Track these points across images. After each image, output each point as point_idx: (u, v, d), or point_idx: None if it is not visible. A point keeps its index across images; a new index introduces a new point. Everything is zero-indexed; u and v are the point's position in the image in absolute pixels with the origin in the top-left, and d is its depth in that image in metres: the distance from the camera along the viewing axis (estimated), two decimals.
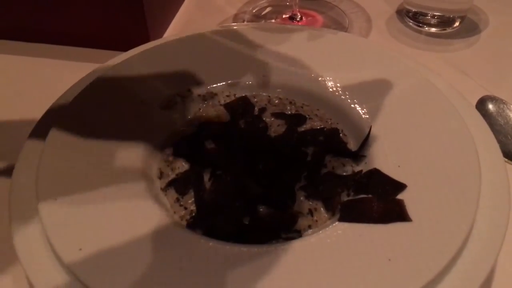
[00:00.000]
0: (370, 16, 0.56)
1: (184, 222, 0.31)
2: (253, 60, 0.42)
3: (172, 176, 0.34)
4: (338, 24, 0.55)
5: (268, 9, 0.58)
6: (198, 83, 0.40)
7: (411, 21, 0.54)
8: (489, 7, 0.56)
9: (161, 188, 0.34)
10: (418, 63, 0.41)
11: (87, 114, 0.36)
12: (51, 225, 0.28)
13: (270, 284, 0.26)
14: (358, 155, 0.35)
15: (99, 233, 0.29)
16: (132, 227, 0.29)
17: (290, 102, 0.40)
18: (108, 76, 0.39)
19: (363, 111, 0.37)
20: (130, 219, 0.30)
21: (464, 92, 0.38)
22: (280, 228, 0.31)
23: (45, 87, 0.46)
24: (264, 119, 0.39)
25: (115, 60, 0.41)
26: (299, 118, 0.39)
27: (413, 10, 0.53)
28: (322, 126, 0.38)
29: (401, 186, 0.31)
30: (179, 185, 0.34)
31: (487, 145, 0.33)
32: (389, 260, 0.27)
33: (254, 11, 0.57)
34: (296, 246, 0.28)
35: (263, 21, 0.56)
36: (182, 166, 0.35)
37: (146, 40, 0.47)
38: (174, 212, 0.32)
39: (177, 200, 0.33)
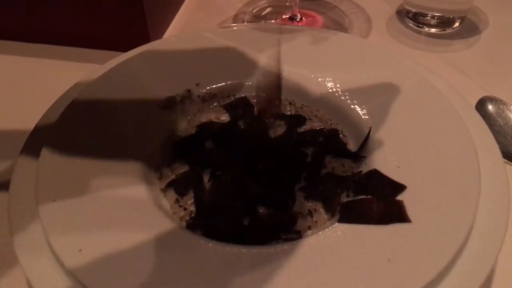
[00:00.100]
0: (370, 17, 0.56)
1: (183, 223, 0.31)
2: (253, 61, 0.42)
3: (171, 176, 0.34)
4: (338, 25, 0.55)
5: (268, 10, 0.58)
6: (198, 83, 0.40)
7: (411, 21, 0.54)
8: (489, 7, 0.56)
9: (160, 189, 0.34)
10: (418, 64, 0.41)
11: (87, 115, 0.36)
12: (50, 226, 0.28)
13: (270, 285, 0.26)
14: (358, 156, 0.35)
15: (99, 234, 0.29)
16: (132, 228, 0.29)
17: (290, 103, 0.40)
18: (108, 77, 0.39)
19: (362, 112, 0.37)
20: (129, 220, 0.30)
21: (463, 93, 0.38)
22: (280, 228, 0.31)
23: (45, 88, 0.46)
24: (264, 119, 0.39)
25: (115, 61, 0.41)
26: (299, 119, 0.39)
27: (413, 11, 0.53)
28: (321, 127, 0.38)
29: (400, 187, 0.31)
30: (178, 185, 0.34)
31: (487, 146, 0.33)
32: (389, 261, 0.27)
33: (254, 11, 0.57)
34: (296, 247, 0.28)
35: (263, 21, 0.56)
36: (182, 166, 0.35)
37: (146, 40, 0.47)
38: (174, 213, 0.32)
39: (177, 201, 0.33)
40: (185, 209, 0.32)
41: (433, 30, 0.53)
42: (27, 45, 0.52)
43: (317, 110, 0.40)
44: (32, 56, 0.50)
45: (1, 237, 0.31)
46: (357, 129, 0.37)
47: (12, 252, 0.28)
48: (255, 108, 0.40)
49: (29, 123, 0.36)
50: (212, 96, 0.40)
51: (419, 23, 0.53)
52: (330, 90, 0.39)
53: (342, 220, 0.30)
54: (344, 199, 0.32)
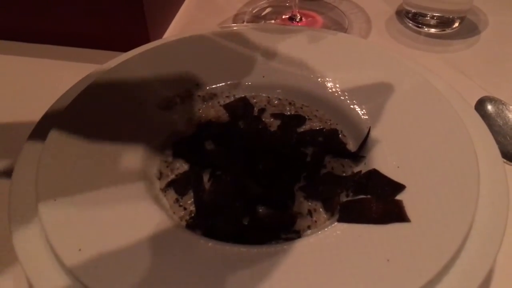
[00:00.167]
0: (369, 17, 0.56)
1: (183, 223, 0.31)
2: (253, 61, 0.42)
3: (171, 176, 0.35)
4: (338, 25, 0.55)
5: (268, 10, 0.58)
6: (198, 83, 0.41)
7: (410, 21, 0.54)
8: (489, 8, 0.56)
9: (160, 189, 0.34)
10: (418, 64, 0.41)
11: (87, 115, 0.36)
12: (50, 226, 0.29)
13: (270, 285, 0.26)
14: (357, 156, 0.35)
15: (99, 233, 0.29)
16: (132, 227, 0.29)
17: (290, 103, 0.40)
18: (108, 77, 0.39)
19: (362, 112, 0.38)
20: (129, 220, 0.30)
21: (463, 93, 0.38)
22: (280, 228, 0.31)
23: (45, 88, 0.46)
24: (263, 119, 0.39)
25: (115, 61, 0.41)
26: (299, 119, 0.39)
27: (413, 11, 0.53)
28: (321, 127, 0.38)
29: (400, 187, 0.31)
30: (178, 185, 0.34)
31: (486, 146, 0.34)
32: (388, 260, 0.27)
33: (254, 11, 0.57)
34: (296, 247, 0.28)
35: (263, 21, 0.56)
36: (182, 166, 0.35)
37: (146, 40, 0.47)
38: (174, 213, 0.32)
39: (177, 200, 0.33)
40: (185, 209, 0.32)
41: (432, 30, 0.53)
42: (27, 45, 0.52)
43: (317, 110, 0.40)
44: (32, 56, 0.50)
45: (1, 237, 0.31)
46: (356, 129, 0.37)
47: (12, 252, 0.28)
48: (255, 108, 0.40)
49: (29, 123, 0.36)
50: (212, 96, 0.40)
51: (418, 23, 0.53)
52: (330, 90, 0.40)
53: (341, 219, 0.30)
54: (343, 198, 0.32)
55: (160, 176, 0.35)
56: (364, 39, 0.51)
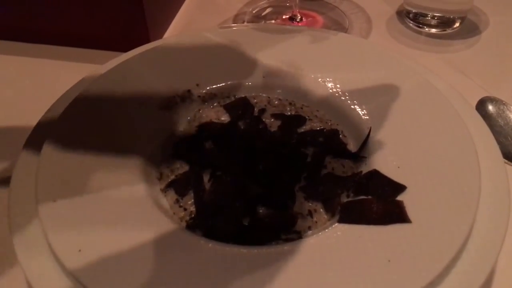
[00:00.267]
0: (370, 17, 0.56)
1: (183, 223, 0.31)
2: (253, 61, 0.42)
3: (171, 177, 0.34)
4: (338, 25, 0.55)
5: (268, 10, 0.58)
6: (198, 83, 0.40)
7: (411, 22, 0.54)
8: (489, 8, 0.56)
9: (160, 189, 0.34)
10: (418, 64, 0.41)
11: (86, 116, 0.36)
12: (50, 226, 0.28)
13: (270, 285, 0.26)
14: (358, 156, 0.35)
15: (99, 234, 0.29)
16: (132, 228, 0.29)
17: (290, 103, 0.40)
18: (108, 78, 0.39)
19: (363, 112, 0.37)
20: (129, 220, 0.30)
21: (464, 93, 0.38)
22: (280, 229, 0.31)
23: (45, 88, 0.46)
24: (263, 120, 0.39)
25: (115, 61, 0.41)
26: (299, 119, 0.39)
27: (413, 11, 0.53)
28: (322, 127, 0.38)
29: (400, 187, 0.31)
30: (178, 186, 0.34)
31: (487, 146, 0.33)
32: (389, 261, 0.27)
33: (254, 11, 0.57)
34: (296, 247, 0.28)
35: (263, 21, 0.56)
36: (182, 167, 0.35)
37: (146, 40, 0.47)
38: (174, 213, 0.32)
39: (177, 201, 0.33)
40: (185, 209, 0.32)
41: (433, 30, 0.53)
42: (27, 45, 0.52)
43: (317, 111, 0.40)
44: (32, 56, 0.50)
45: (1, 237, 0.31)
46: (357, 130, 0.37)
47: (12, 252, 0.28)
48: (255, 108, 0.40)
49: (29, 123, 0.36)
50: (212, 96, 0.40)
51: (419, 23, 0.53)
52: (330, 91, 0.39)
53: (342, 220, 0.30)
54: (344, 199, 0.32)
55: (160, 176, 0.35)
56: (364, 39, 0.51)
